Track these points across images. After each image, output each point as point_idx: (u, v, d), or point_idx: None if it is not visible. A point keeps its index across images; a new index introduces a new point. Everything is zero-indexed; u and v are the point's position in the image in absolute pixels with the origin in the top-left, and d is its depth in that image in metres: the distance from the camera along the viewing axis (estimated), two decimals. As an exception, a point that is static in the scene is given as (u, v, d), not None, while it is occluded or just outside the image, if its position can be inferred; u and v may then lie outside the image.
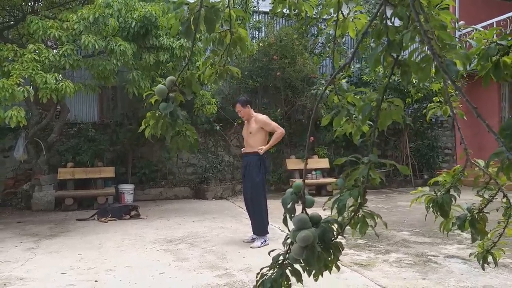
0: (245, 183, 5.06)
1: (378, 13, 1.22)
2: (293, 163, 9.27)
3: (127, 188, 8.14)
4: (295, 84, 9.24)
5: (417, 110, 10.06)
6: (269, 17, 10.25)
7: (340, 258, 4.39)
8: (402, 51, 1.20)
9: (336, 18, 1.51)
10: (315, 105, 1.42)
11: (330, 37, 10.25)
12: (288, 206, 1.38)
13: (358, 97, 1.50)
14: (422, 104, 9.64)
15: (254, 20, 10.10)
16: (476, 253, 2.01)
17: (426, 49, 1.05)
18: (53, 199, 7.47)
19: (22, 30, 7.19)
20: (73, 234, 5.46)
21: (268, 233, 4.92)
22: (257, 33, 10.28)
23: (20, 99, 5.42)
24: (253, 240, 4.87)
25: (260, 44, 9.31)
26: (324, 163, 9.33)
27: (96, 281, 3.58)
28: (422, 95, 9.17)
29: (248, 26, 9.41)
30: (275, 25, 10.14)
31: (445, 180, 1.75)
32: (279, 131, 5.02)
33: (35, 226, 6.02)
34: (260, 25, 10.22)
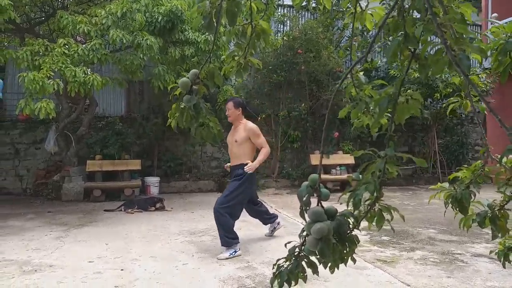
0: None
1: (396, 6, 1.19)
2: (317, 159, 9.18)
3: (153, 181, 8.30)
4: (320, 78, 9.14)
5: (447, 105, 9.79)
6: (294, 11, 10.16)
7: (363, 254, 4.31)
8: (420, 44, 1.17)
9: (354, 10, 1.49)
10: (331, 98, 1.41)
11: (356, 31, 10.09)
12: (304, 199, 1.37)
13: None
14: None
15: (279, 13, 10.03)
16: (496, 251, 1.95)
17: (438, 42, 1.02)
18: (82, 190, 7.68)
19: (53, 25, 7.39)
20: (101, 225, 5.61)
21: (238, 241, 4.21)
22: (281, 27, 10.22)
23: (50, 92, 5.60)
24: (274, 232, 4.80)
25: (285, 38, 9.25)
26: (349, 159, 9.21)
27: (122, 270, 3.67)
28: (451, 90, 8.91)
29: (272, 20, 9.36)
30: (300, 18, 10.05)
31: (465, 176, 1.71)
32: (267, 148, 4.37)
33: (64, 216, 6.22)
34: (285, 19, 10.15)
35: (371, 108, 1.48)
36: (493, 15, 10.04)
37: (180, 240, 4.78)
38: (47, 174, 8.60)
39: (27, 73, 5.49)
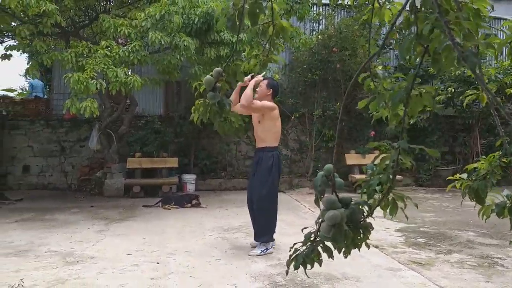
0: (252, 183, 4.33)
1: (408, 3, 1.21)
2: (352, 158, 9.09)
3: (190, 178, 8.51)
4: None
5: (490, 104, 9.38)
6: (329, 9, 10.07)
7: (397, 255, 4.23)
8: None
9: (372, 6, 1.52)
10: (347, 89, 1.44)
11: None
12: (319, 188, 1.43)
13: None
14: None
15: (314, 12, 9.97)
16: None
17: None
18: (123, 186, 8.00)
19: (95, 28, 7.73)
20: (139, 219, 5.82)
21: (273, 240, 4.24)
22: (316, 25, 10.15)
23: (93, 91, 5.88)
24: (254, 247, 4.24)
25: (320, 36, 9.18)
26: (385, 159, 9.02)
27: (158, 263, 3.81)
28: (495, 89, 8.52)
29: (307, 18, 9.32)
30: (335, 17, 9.95)
31: (482, 167, 1.71)
32: (262, 104, 4.15)
33: (105, 210, 6.50)
34: (320, 18, 10.07)
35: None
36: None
37: (214, 236, 4.89)
38: (90, 171, 9.01)
39: (72, 74, 5.78)
